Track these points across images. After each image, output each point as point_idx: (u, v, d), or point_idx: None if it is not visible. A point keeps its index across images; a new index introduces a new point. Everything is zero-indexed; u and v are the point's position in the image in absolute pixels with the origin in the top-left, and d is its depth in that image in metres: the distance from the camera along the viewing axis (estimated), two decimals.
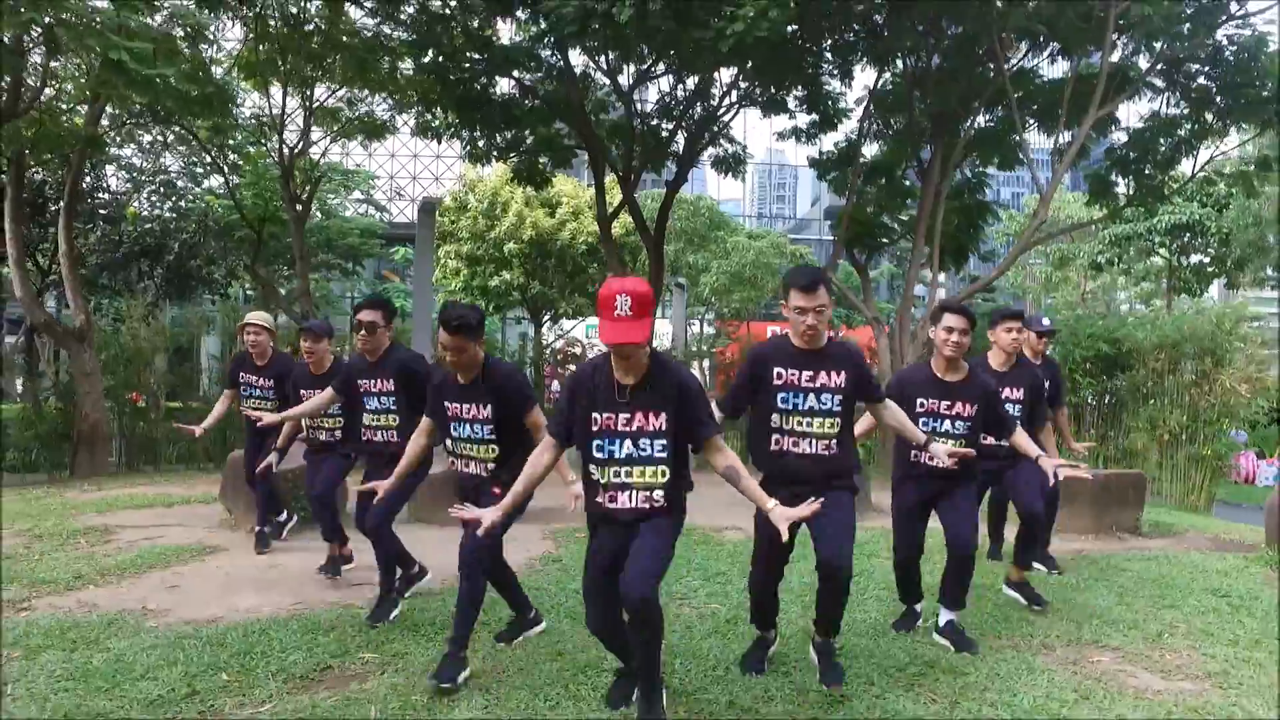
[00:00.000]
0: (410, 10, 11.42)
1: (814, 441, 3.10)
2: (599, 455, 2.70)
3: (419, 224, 12.07)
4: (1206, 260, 21.51)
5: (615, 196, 14.37)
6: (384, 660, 3.48)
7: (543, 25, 11.18)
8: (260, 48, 11.52)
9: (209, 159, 14.61)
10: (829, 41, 12.31)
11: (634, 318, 2.57)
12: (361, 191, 26.96)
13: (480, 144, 13.74)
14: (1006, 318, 4.41)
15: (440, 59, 11.82)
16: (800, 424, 3.09)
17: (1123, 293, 28.03)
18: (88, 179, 15.85)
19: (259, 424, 4.93)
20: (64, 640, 3.57)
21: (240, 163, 14.29)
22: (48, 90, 10.99)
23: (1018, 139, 12.55)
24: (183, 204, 17.79)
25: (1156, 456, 9.48)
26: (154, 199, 18.48)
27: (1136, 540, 6.47)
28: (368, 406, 4.16)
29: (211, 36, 10.88)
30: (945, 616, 3.81)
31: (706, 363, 15.53)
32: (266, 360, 5.47)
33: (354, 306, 4.22)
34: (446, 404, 3.41)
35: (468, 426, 3.38)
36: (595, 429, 2.69)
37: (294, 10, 11.43)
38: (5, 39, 8.99)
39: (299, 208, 12.97)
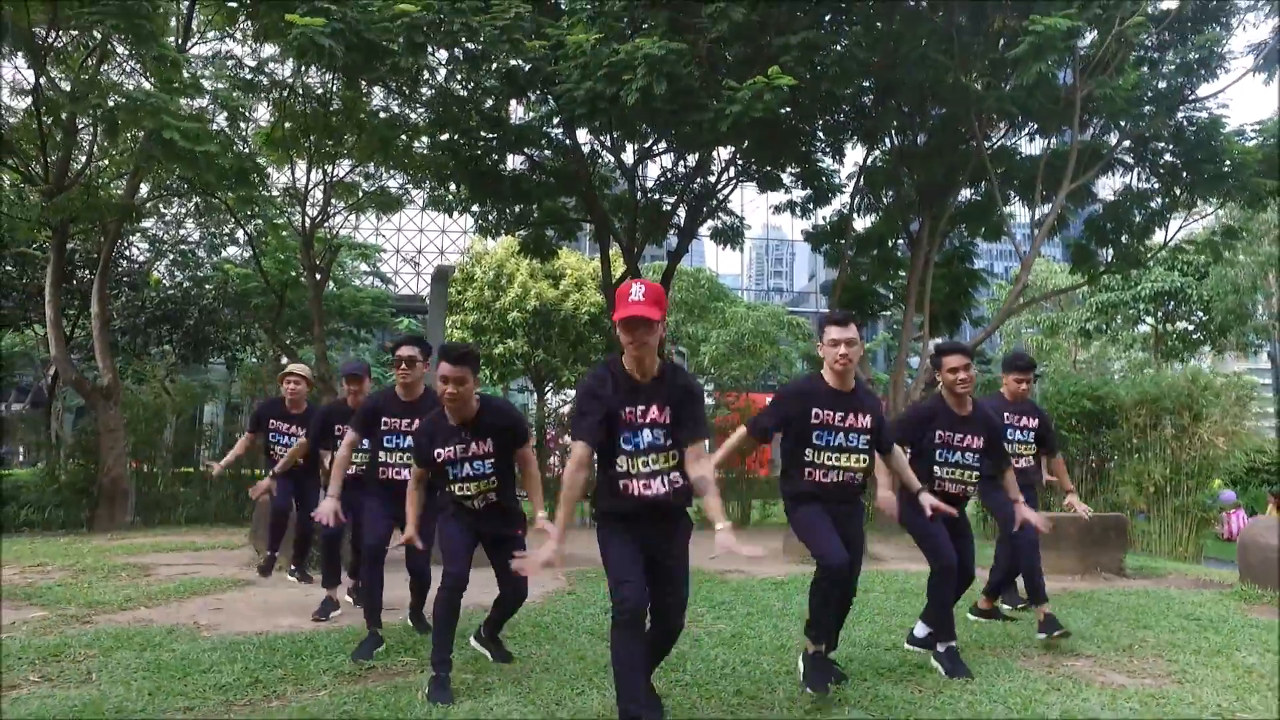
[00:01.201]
0: (428, 92, 12.29)
1: (842, 473, 3.48)
2: (628, 448, 2.90)
3: (432, 290, 12.68)
4: (1191, 327, 22.17)
5: (619, 268, 15.06)
6: (422, 662, 3.83)
7: (552, 105, 12.09)
8: (285, 125, 12.37)
9: (232, 228, 15.39)
10: (821, 122, 13.21)
11: (647, 303, 2.79)
12: (369, 265, 27.85)
13: (490, 217, 14.52)
14: (1015, 369, 5.12)
15: (456, 138, 12.66)
16: (832, 459, 3.46)
17: (1116, 362, 28.66)
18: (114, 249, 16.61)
19: (275, 470, 5.43)
20: (132, 644, 3.93)
21: (265, 233, 15.01)
22: (91, 167, 11.80)
23: (999, 213, 13.30)
24: (200, 273, 18.53)
25: (1143, 509, 9.83)
26: (173, 269, 19.27)
27: (1121, 581, 6.80)
28: (392, 445, 4.16)
29: (246, 115, 11.68)
30: (922, 629, 4.14)
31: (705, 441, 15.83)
32: (300, 409, 5.78)
33: (393, 344, 4.43)
34: (439, 451, 3.51)
35: (467, 466, 3.49)
36: (621, 422, 2.91)
37: (319, 91, 12.32)
38: (63, 119, 9.80)
39: (318, 276, 13.61)
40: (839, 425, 3.48)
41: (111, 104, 8.13)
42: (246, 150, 11.44)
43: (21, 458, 21.91)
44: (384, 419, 4.18)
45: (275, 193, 14.45)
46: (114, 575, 5.91)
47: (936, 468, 4.03)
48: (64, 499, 11.54)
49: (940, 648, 3.84)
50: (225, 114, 10.34)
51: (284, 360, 20.00)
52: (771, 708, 3.20)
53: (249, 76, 11.97)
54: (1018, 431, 4.98)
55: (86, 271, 15.85)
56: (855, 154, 14.44)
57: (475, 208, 14.37)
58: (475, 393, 3.53)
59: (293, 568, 5.96)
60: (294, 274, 14.62)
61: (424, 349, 4.38)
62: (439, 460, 3.51)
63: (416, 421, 4.10)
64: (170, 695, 3.19)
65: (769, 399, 3.73)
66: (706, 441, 3.01)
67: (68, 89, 10.07)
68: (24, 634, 4.17)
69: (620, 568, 2.84)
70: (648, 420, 2.93)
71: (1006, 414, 4.92)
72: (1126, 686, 3.59)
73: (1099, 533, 7.16)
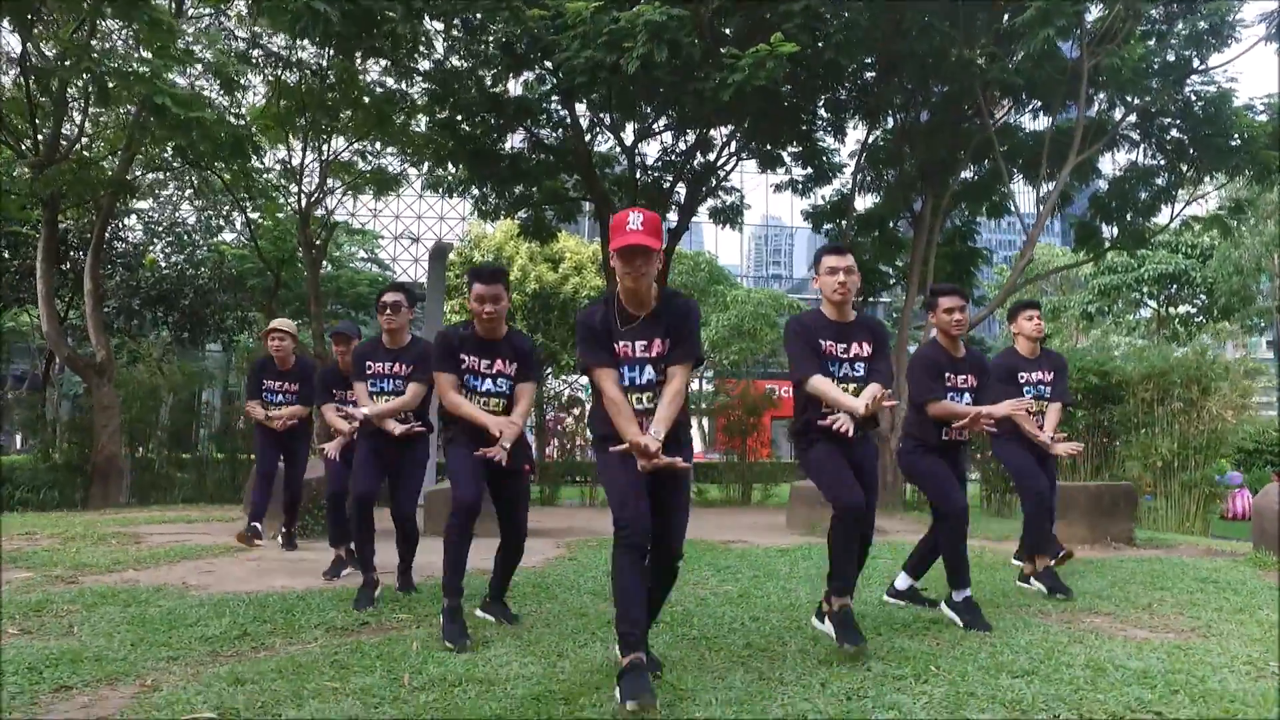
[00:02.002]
0: (426, 66, 12.10)
1: None
2: (624, 383, 2.80)
3: (430, 268, 12.49)
4: (1193, 310, 22.03)
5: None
6: (417, 618, 3.71)
7: (551, 82, 11.91)
8: (280, 102, 12.17)
9: (229, 205, 15.19)
10: (822, 99, 13.03)
11: (646, 232, 2.69)
12: (366, 251, 27.69)
13: (489, 200, 14.34)
14: (1024, 307, 4.86)
15: (454, 115, 12.47)
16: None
17: (1118, 349, 28.52)
18: (109, 229, 16.42)
19: (280, 427, 5.38)
20: (116, 600, 3.79)
21: (261, 211, 14.83)
22: (82, 139, 11.60)
23: (1004, 189, 13.14)
24: (197, 254, 18.34)
25: (1150, 490, 9.70)
26: (169, 250, 19.06)
27: (1131, 550, 6.68)
28: (377, 389, 4.15)
29: (241, 83, 11.48)
30: (904, 581, 4.19)
31: (705, 421, 15.71)
32: (289, 366, 5.67)
33: (379, 291, 4.31)
34: (466, 358, 3.49)
35: (489, 381, 3.51)
36: (617, 357, 2.81)
37: (314, 65, 12.13)
38: (52, 89, 9.59)
39: (314, 252, 13.44)
40: (842, 356, 3.37)
41: (103, 70, 7.92)
42: (241, 122, 11.23)
43: (20, 444, 21.77)
44: (368, 363, 4.21)
45: (271, 169, 14.28)
46: (103, 542, 5.78)
47: None
48: (58, 478, 11.40)
49: (957, 597, 3.73)
50: (219, 83, 10.13)
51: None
52: (783, 659, 3.06)
53: (243, 48, 11.77)
54: (1033, 388, 4.80)
55: (80, 254, 15.67)
56: (857, 133, 14.26)
57: (474, 190, 14.22)
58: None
59: (284, 530, 5.84)
60: (290, 253, 14.41)
61: (409, 296, 4.33)
62: (463, 367, 3.50)
63: (401, 366, 4.17)
64: (153, 646, 3.05)
65: (788, 349, 3.47)
66: (692, 366, 2.86)
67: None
68: (7, 592, 4.03)
69: (622, 491, 2.72)
70: (652, 355, 2.82)
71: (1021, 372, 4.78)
72: (1151, 639, 3.45)
73: (1109, 502, 7.03)
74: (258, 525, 5.53)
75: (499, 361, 3.54)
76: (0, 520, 7.63)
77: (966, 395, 4.01)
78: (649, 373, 2.82)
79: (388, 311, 4.17)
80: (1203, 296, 20.92)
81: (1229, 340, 25.02)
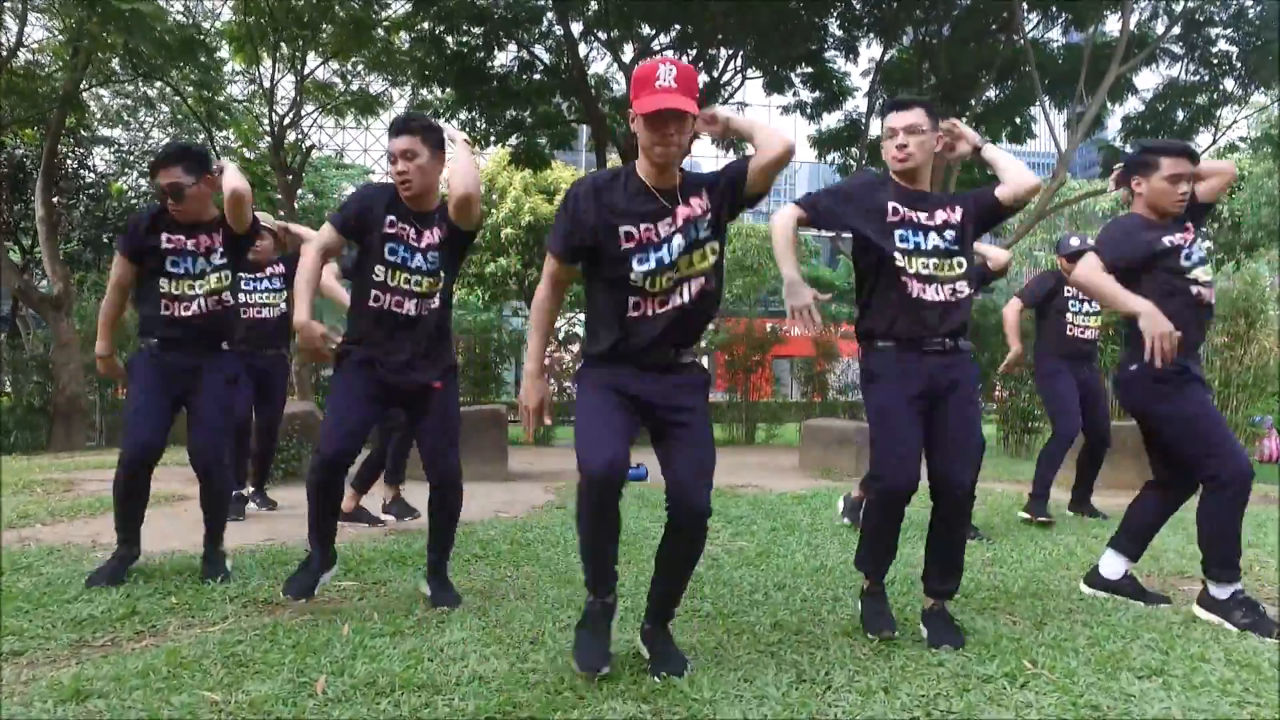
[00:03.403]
0: None
1: (940, 287, 2.47)
2: (641, 268, 2.12)
3: None
4: (1215, 246, 21.09)
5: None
6: (364, 587, 2.99)
7: None
8: (248, 17, 11.07)
9: (200, 130, 14.15)
10: (835, 13, 11.96)
11: (680, 92, 2.05)
12: (354, 185, 26.55)
13: (480, 125, 13.34)
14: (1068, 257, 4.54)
15: (438, 29, 11.40)
16: (925, 267, 2.49)
17: None
18: (73, 159, 15.40)
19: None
20: None
21: (229, 135, 13.82)
22: (26, 55, 10.55)
23: (1036, 107, 12.16)
24: None
25: None
26: (142, 180, 18.04)
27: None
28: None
29: None
30: (1118, 564, 3.02)
31: (705, 359, 15.04)
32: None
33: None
34: (390, 221, 2.71)
35: (419, 256, 2.73)
36: (631, 245, 2.14)
37: None
38: None
39: (289, 178, 12.51)
40: (926, 224, 2.49)
41: None
42: (191, 22, 10.14)
43: (9, 384, 21.09)
44: (391, 225, 3.11)
45: (241, 88, 13.23)
46: (26, 490, 5.07)
47: None
48: (20, 420, 10.72)
49: (1220, 593, 2.70)
50: None
51: None
52: (825, 647, 2.35)
53: None
54: (1081, 304, 4.81)
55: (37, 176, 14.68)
56: (871, 51, 13.21)
57: (463, 113, 13.23)
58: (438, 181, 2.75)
59: (251, 490, 4.69)
60: (260, 177, 13.42)
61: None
62: (391, 233, 2.70)
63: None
64: (8, 632, 2.33)
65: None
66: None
67: None
68: None
69: (591, 426, 2.10)
70: (679, 224, 2.15)
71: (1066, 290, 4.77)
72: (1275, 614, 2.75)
73: (1134, 444, 6.30)
74: (244, 494, 4.57)
75: (427, 232, 2.74)
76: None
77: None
78: (677, 244, 2.14)
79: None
80: (1229, 232, 19.92)
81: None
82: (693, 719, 1.84)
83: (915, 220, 2.49)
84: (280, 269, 4.49)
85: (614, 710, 1.87)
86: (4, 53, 9.68)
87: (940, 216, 2.50)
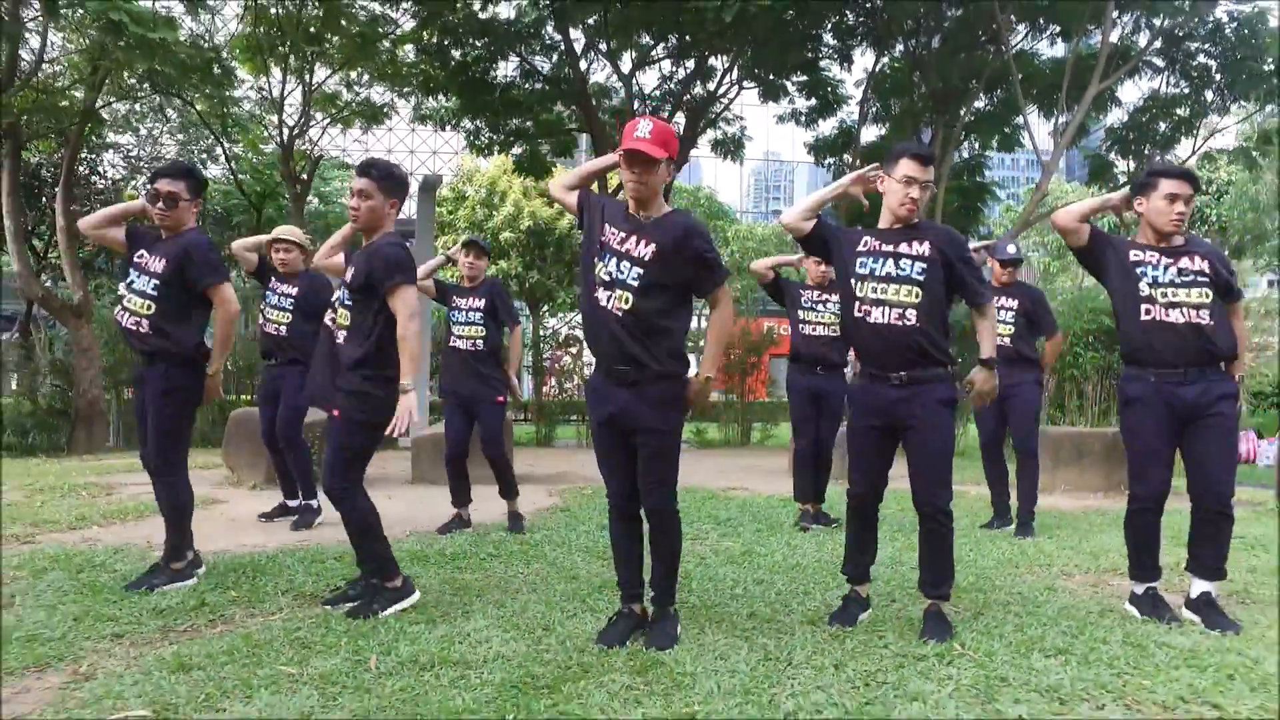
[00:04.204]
0: None
1: (888, 310, 2.79)
2: (593, 278, 2.64)
3: (419, 201, 11.97)
4: None
5: (615, 181, 14.35)
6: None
7: (546, 3, 11.22)
8: (258, 29, 11.46)
9: (210, 143, 14.56)
10: (829, 24, 12.33)
11: (652, 141, 2.53)
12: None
13: (482, 134, 13.74)
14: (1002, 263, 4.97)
15: (443, 40, 11.79)
16: (876, 291, 2.82)
17: None
18: (84, 165, 15.79)
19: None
20: (69, 564, 3.51)
21: (241, 144, 14.20)
22: (46, 68, 10.94)
23: (1018, 120, 12.55)
24: None
25: None
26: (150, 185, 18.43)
27: None
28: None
29: (208, 2, 10.79)
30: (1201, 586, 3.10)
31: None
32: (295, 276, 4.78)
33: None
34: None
35: (343, 290, 3.08)
36: (600, 243, 2.63)
37: None
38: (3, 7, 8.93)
39: (298, 187, 12.90)
40: (890, 252, 2.81)
41: None
42: (209, 44, 10.56)
43: (15, 384, 21.48)
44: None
45: (250, 99, 13.61)
46: (72, 494, 5.50)
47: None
48: (40, 422, 11.15)
49: (1138, 589, 3.12)
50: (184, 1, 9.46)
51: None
52: (791, 633, 2.79)
53: None
54: (1001, 312, 4.85)
55: (57, 189, 15.07)
56: (864, 59, 13.60)
57: (466, 123, 13.63)
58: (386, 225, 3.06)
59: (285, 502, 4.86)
60: (272, 187, 13.83)
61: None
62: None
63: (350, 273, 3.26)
64: (98, 621, 2.77)
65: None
66: (722, 286, 2.70)
67: None
68: None
69: (607, 462, 2.75)
70: (633, 253, 2.59)
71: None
72: (1183, 608, 3.19)
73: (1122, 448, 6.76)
74: (290, 504, 4.82)
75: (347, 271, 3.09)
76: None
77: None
78: (623, 268, 2.58)
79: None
80: (1217, 235, 20.36)
81: (1260, 274, 24.51)
82: (676, 686, 2.28)
83: (878, 250, 2.84)
84: (291, 291, 4.70)
85: (613, 681, 2.30)
86: (24, 71, 10.08)
87: (906, 248, 2.81)
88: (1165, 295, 2.96)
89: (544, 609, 3.04)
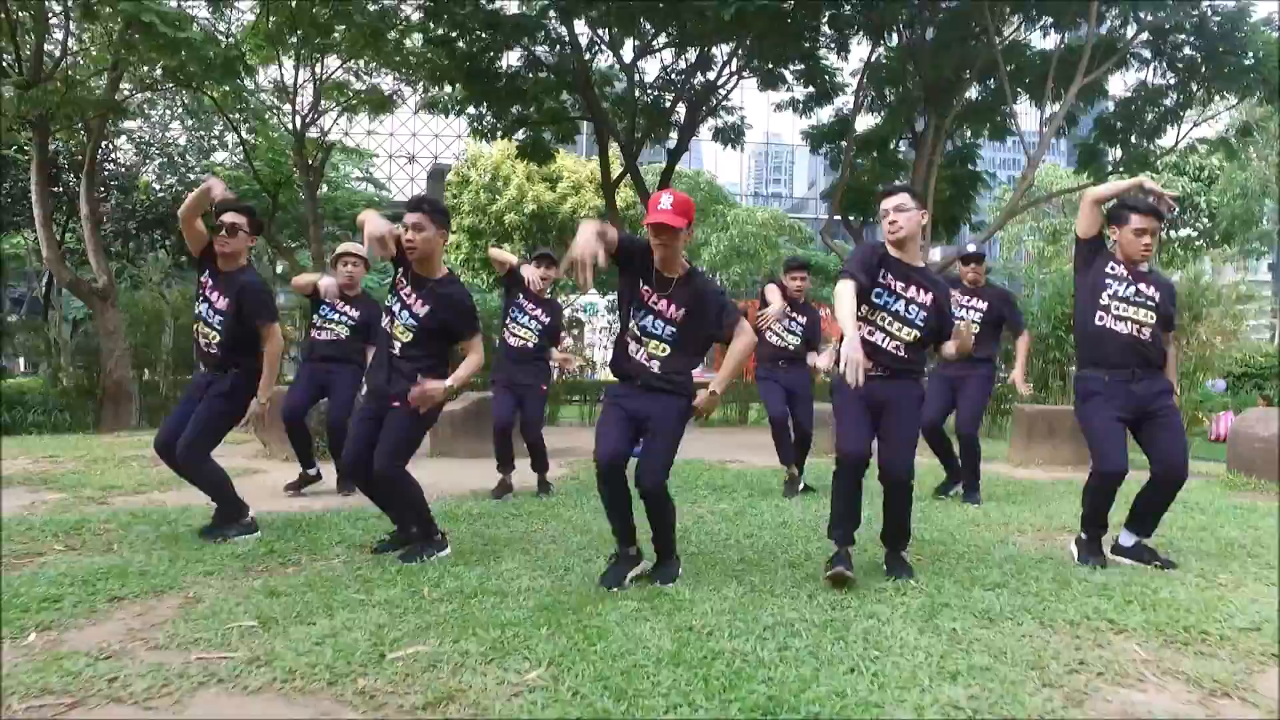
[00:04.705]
0: None
1: (889, 339, 3.31)
2: (632, 323, 3.19)
3: (428, 189, 12.46)
4: (1195, 234, 21.94)
5: (618, 169, 14.75)
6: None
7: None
8: (270, 20, 11.83)
9: (220, 130, 14.97)
10: (826, 15, 12.68)
11: (673, 212, 3.06)
12: (361, 170, 27.27)
13: (486, 120, 14.12)
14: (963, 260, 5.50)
15: (450, 32, 12.15)
16: (886, 323, 3.32)
17: None
18: (99, 152, 16.19)
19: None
20: (149, 519, 4.02)
21: (255, 132, 14.59)
22: (68, 58, 11.34)
23: (1008, 109, 12.94)
24: (191, 176, 18.14)
25: None
26: (160, 171, 18.84)
27: None
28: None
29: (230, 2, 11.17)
30: (1128, 537, 3.69)
31: None
32: (356, 292, 5.25)
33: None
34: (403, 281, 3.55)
35: (407, 313, 3.51)
36: (639, 295, 3.17)
37: None
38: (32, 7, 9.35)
39: (311, 175, 13.33)
40: (900, 293, 3.33)
41: None
42: (231, 40, 10.95)
43: (22, 366, 21.98)
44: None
45: (264, 90, 13.99)
46: (125, 465, 6.01)
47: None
48: (68, 402, 11.65)
49: (1084, 535, 3.65)
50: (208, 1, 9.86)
51: (280, 265, 19.83)
52: (774, 574, 3.30)
53: None
54: (964, 310, 5.25)
55: (72, 176, 15.49)
56: (860, 49, 13.94)
57: (471, 109, 14.00)
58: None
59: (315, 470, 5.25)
60: (286, 175, 14.26)
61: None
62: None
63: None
64: (190, 562, 3.28)
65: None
66: (738, 322, 3.20)
67: None
68: (44, 512, 4.27)
69: (602, 428, 3.21)
70: (666, 314, 3.15)
71: (956, 295, 5.09)
72: (1118, 557, 3.70)
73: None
74: (313, 473, 5.23)
75: (418, 299, 3.53)
76: (15, 443, 7.86)
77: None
78: (658, 326, 3.15)
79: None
80: (1205, 220, 20.80)
81: (1229, 264, 24.98)
82: (677, 609, 2.79)
83: (892, 287, 3.33)
84: (354, 314, 5.15)
85: (625, 605, 2.81)
86: (49, 64, 10.49)
87: (913, 293, 3.33)
88: (1118, 309, 3.55)
89: (563, 555, 3.55)
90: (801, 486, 5.38)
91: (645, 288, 3.16)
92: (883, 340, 3.33)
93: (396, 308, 3.55)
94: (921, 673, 2.27)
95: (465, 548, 3.67)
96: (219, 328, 3.84)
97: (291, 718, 2.00)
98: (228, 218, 3.89)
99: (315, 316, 5.21)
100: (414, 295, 3.53)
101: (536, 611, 2.74)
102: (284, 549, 3.57)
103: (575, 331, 14.18)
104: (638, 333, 3.16)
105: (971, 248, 5.52)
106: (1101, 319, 3.57)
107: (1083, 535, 3.68)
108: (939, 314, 3.37)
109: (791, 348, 5.44)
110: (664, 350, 3.14)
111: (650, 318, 3.15)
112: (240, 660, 2.29)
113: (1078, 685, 2.23)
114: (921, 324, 3.33)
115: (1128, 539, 3.67)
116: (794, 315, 5.41)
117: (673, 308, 3.14)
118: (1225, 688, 2.22)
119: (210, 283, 3.91)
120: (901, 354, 3.33)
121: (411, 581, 3.08)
